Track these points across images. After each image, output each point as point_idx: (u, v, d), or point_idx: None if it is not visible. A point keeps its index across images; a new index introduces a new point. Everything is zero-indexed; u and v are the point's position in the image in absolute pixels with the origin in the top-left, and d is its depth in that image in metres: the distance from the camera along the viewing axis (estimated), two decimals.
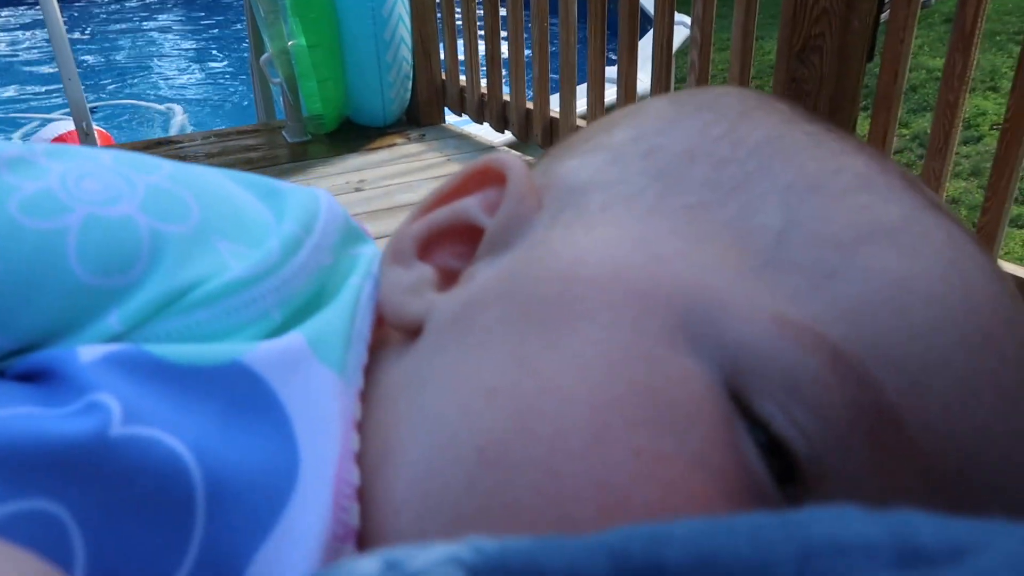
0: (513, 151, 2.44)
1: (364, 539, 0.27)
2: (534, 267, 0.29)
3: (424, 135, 2.64)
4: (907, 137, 3.68)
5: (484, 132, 2.68)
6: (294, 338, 0.27)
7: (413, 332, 0.30)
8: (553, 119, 2.35)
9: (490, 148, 2.54)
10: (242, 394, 0.26)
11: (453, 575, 0.17)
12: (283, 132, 2.63)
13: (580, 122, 2.30)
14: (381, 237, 2.00)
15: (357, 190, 2.20)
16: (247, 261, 0.28)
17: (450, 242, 0.33)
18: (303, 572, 0.25)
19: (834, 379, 0.24)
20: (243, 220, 0.30)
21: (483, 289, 0.29)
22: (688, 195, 0.29)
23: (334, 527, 0.26)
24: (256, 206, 0.32)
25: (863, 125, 1.79)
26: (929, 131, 1.52)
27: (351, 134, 2.59)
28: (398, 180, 2.26)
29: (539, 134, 2.44)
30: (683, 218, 0.28)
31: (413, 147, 2.53)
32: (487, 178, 0.33)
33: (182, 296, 0.27)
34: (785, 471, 0.24)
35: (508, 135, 2.63)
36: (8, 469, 0.21)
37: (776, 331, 0.25)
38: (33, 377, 0.25)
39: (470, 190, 0.33)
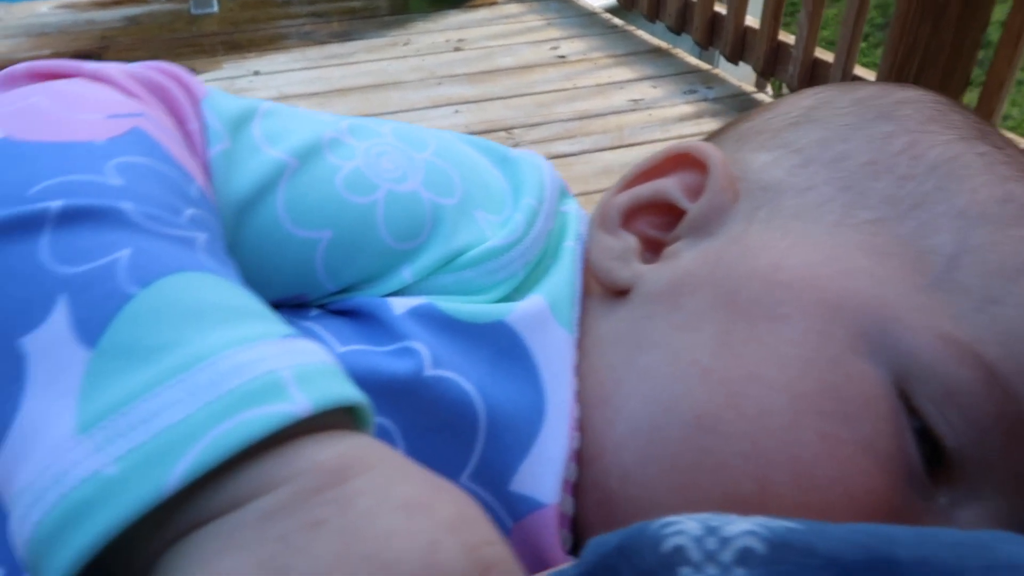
0: (615, 17, 2.38)
1: (579, 459, 0.34)
2: (737, 264, 0.34)
3: None
4: None
5: None
6: (538, 301, 0.35)
7: (618, 292, 0.36)
8: None
9: (592, 14, 2.48)
10: (506, 346, 0.33)
11: (754, 543, 0.23)
12: None
13: None
14: (480, 100, 1.99)
15: (456, 49, 2.20)
16: (500, 231, 0.36)
17: (649, 214, 0.38)
18: (550, 484, 0.32)
19: (985, 391, 0.30)
20: (490, 190, 0.38)
21: (689, 272, 0.35)
22: (871, 210, 0.34)
23: (569, 450, 0.33)
24: (495, 174, 0.39)
25: None
26: None
27: None
28: (499, 42, 2.23)
29: (645, 3, 2.36)
30: (867, 232, 0.33)
31: (514, 7, 2.49)
32: (685, 162, 0.38)
33: (455, 258, 0.35)
34: (934, 455, 0.30)
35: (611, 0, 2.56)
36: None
37: (941, 347, 0.30)
38: (349, 314, 0.34)
39: (668, 171, 0.39)
